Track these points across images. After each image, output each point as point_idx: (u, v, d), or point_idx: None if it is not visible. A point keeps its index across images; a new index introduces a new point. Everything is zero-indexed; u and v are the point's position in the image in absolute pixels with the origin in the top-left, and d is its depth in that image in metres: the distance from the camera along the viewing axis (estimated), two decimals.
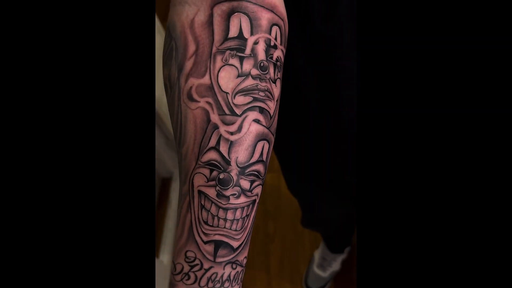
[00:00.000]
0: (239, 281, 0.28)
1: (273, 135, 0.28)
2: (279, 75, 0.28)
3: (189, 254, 0.27)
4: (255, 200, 0.28)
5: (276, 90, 0.28)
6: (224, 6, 0.26)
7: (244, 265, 0.29)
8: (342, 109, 0.47)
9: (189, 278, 0.27)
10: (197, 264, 0.27)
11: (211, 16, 0.26)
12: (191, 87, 0.26)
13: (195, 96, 0.26)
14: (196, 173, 0.26)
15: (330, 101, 0.47)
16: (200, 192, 0.26)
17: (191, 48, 0.26)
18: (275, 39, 0.27)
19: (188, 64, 0.26)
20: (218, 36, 0.26)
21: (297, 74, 0.46)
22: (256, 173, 0.27)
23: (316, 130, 0.52)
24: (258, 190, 0.28)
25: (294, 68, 0.45)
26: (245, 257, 0.29)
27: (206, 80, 0.26)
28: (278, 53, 0.28)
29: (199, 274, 0.27)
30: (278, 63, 0.28)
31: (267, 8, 0.26)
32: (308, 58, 0.44)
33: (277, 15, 0.27)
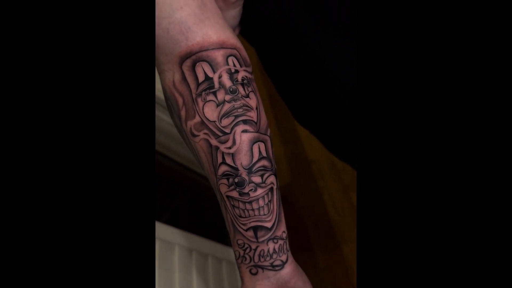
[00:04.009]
0: (285, 251, 0.36)
1: (265, 134, 0.36)
2: (250, 88, 0.36)
3: (239, 242, 0.36)
4: (271, 188, 0.36)
5: (252, 101, 0.36)
6: (188, 62, 0.34)
7: (284, 238, 0.36)
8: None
9: (245, 259, 0.36)
10: (247, 247, 0.35)
11: (182, 73, 0.35)
12: (190, 128, 0.35)
13: (195, 132, 0.35)
14: (220, 184, 0.35)
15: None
16: (227, 196, 0.35)
17: (180, 101, 0.35)
18: (234, 65, 0.35)
19: (183, 113, 0.35)
20: (192, 85, 0.34)
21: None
22: (263, 167, 0.35)
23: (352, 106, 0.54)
24: (271, 179, 0.36)
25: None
26: (283, 231, 0.36)
27: (197, 119, 0.34)
28: (242, 74, 0.35)
29: (251, 254, 0.35)
30: (245, 80, 0.35)
31: (217, 48, 0.35)
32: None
33: (228, 48, 0.35)
